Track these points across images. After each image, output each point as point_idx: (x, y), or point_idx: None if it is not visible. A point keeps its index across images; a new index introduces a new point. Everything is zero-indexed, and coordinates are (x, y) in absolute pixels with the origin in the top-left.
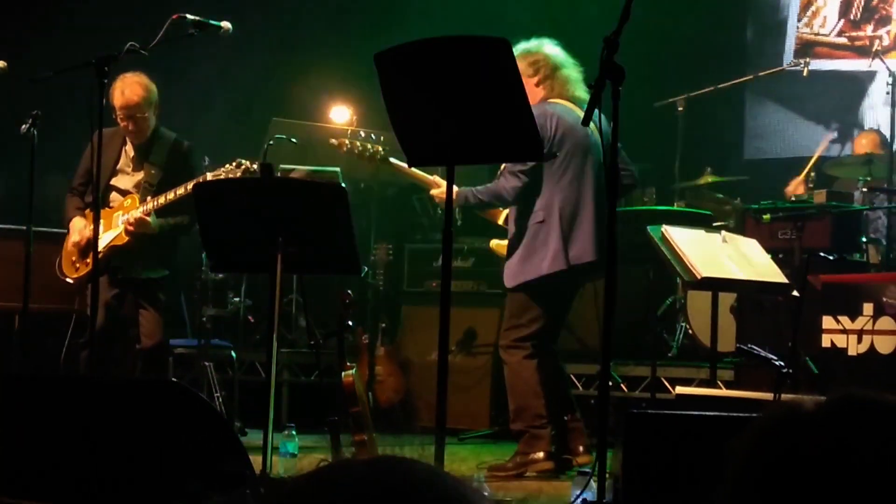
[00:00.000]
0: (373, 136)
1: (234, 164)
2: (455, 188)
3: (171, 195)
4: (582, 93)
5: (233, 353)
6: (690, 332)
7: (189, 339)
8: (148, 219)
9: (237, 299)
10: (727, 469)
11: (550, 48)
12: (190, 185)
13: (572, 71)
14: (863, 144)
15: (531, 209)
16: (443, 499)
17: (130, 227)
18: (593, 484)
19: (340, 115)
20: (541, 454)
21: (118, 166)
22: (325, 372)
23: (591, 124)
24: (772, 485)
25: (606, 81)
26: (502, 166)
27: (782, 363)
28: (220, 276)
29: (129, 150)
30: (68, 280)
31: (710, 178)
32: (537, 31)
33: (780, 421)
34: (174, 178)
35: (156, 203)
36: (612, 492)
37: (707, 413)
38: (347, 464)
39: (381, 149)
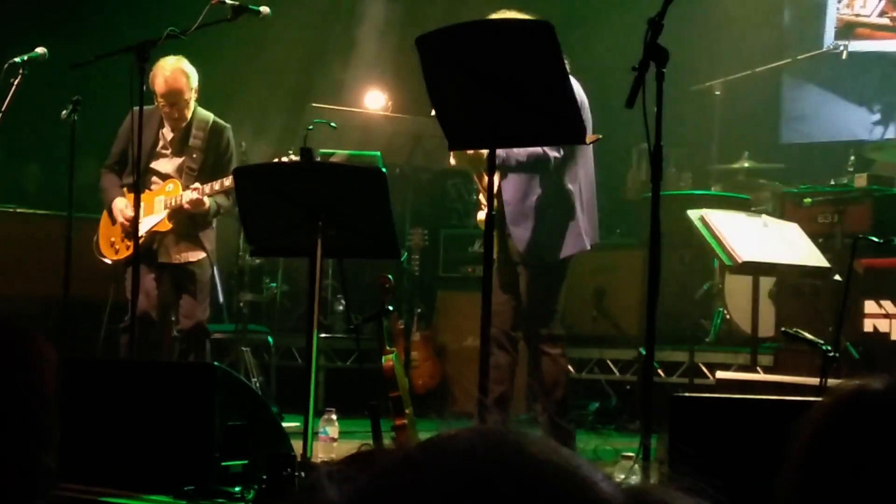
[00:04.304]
0: None
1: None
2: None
3: (227, 182)
4: None
5: (269, 339)
6: (728, 316)
7: (226, 325)
8: (206, 200)
9: (273, 284)
10: (794, 450)
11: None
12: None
13: None
14: None
15: (561, 181)
16: (562, 478)
17: (187, 206)
18: (637, 469)
19: (375, 100)
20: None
21: (157, 148)
22: (362, 357)
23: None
24: (845, 464)
25: (650, 63)
26: None
27: (829, 347)
28: (257, 261)
29: (167, 132)
30: (105, 260)
31: (747, 163)
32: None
33: (850, 401)
34: (215, 162)
35: (211, 188)
36: (658, 476)
37: (754, 397)
38: (454, 436)
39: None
